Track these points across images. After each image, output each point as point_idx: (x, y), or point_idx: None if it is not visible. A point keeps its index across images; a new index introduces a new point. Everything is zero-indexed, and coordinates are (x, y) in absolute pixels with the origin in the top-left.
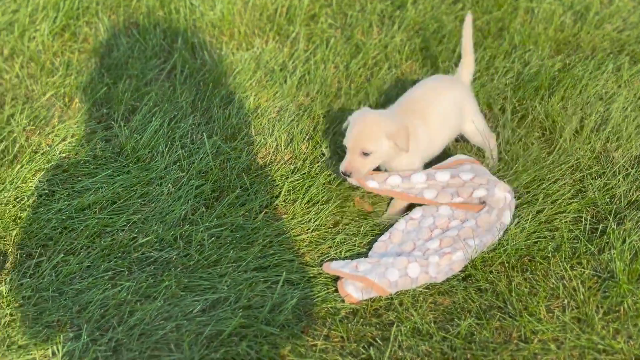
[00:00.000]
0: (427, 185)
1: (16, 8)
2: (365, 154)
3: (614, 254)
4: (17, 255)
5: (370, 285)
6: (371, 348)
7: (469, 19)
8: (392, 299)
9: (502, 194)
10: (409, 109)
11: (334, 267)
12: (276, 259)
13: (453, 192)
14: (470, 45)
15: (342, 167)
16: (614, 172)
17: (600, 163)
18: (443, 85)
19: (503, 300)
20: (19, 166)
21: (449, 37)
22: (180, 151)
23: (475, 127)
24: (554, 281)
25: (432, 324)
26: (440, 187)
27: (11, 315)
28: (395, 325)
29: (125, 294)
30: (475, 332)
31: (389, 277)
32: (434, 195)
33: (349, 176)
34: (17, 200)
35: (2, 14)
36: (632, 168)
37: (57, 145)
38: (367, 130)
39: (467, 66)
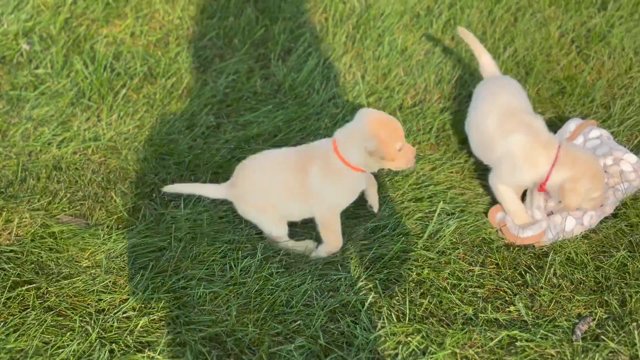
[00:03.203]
0: None
1: None
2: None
3: None
4: (190, 180)
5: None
6: (527, 274)
7: (462, 31)
8: None
9: (630, 166)
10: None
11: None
12: (430, 191)
13: None
14: (481, 47)
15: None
16: None
17: None
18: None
19: None
20: (189, 99)
21: None
22: (335, 89)
23: None
24: None
25: (586, 255)
26: None
27: (193, 234)
28: (549, 255)
29: None
30: (628, 263)
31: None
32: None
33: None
34: (189, 129)
35: None
36: None
37: (220, 81)
38: None
39: (489, 64)
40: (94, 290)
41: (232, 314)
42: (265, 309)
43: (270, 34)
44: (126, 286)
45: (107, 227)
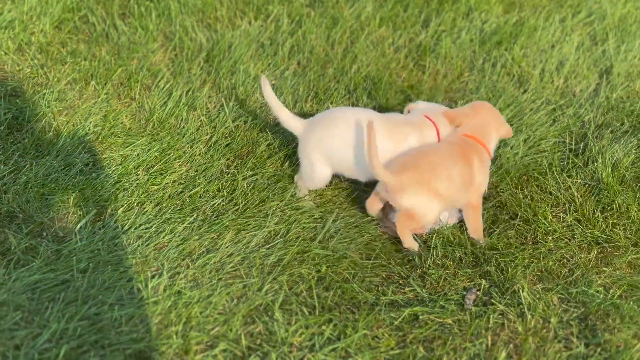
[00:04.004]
0: None
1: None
2: None
3: (599, 163)
4: (78, 215)
5: None
6: (415, 258)
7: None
8: None
9: None
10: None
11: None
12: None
13: None
14: (278, 104)
15: None
16: (580, 103)
17: (566, 97)
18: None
19: (514, 212)
20: (61, 140)
21: (413, 4)
22: (202, 117)
23: None
24: (552, 191)
25: (462, 235)
26: None
27: (95, 263)
28: (432, 240)
29: (193, 235)
30: (498, 239)
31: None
32: None
33: None
34: (67, 168)
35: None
36: (591, 99)
37: (87, 121)
38: None
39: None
40: (4, 329)
41: (151, 330)
42: (183, 321)
43: (128, 72)
44: (37, 320)
45: (4, 267)
